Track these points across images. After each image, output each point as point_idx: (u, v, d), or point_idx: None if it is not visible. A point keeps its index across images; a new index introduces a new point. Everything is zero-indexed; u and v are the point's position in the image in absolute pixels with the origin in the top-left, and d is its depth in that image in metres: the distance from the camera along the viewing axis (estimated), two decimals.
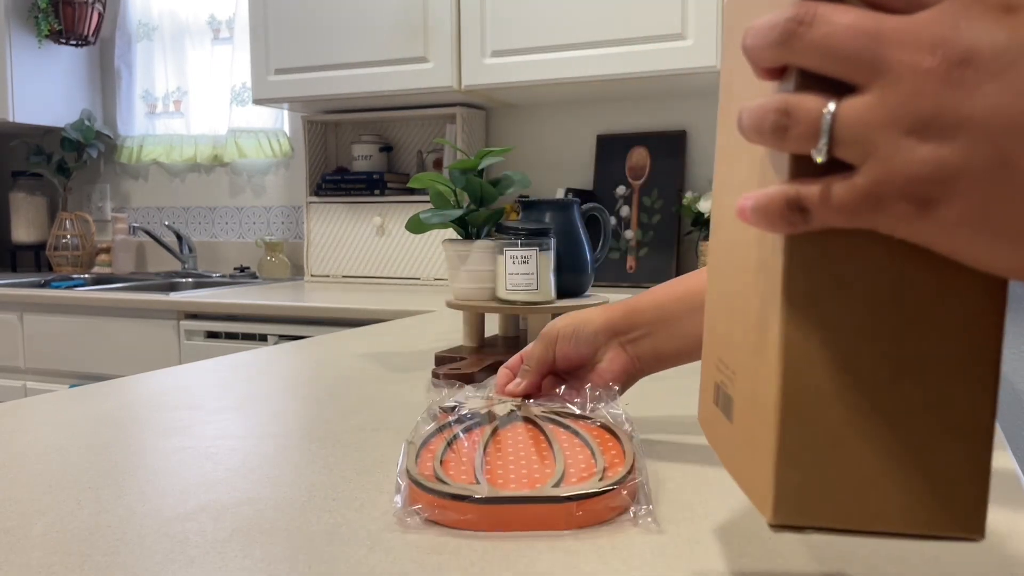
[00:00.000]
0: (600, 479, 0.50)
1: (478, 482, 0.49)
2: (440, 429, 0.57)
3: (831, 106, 0.28)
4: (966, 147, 0.27)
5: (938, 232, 0.28)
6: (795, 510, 0.31)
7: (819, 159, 0.29)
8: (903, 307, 0.30)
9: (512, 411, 0.61)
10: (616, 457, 0.53)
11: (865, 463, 0.31)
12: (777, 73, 0.31)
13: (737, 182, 0.37)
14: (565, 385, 0.67)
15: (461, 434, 0.56)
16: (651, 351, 0.67)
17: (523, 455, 0.54)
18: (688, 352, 0.66)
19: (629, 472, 0.50)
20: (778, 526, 0.31)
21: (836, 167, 0.29)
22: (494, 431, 0.58)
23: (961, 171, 0.27)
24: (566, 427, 0.58)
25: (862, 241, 0.30)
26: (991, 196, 0.27)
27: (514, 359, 0.72)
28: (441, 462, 0.52)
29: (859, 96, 0.28)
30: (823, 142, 0.29)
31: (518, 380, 0.69)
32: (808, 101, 0.29)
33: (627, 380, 0.68)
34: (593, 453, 0.53)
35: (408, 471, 0.50)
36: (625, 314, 0.67)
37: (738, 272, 0.37)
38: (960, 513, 0.31)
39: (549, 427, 0.58)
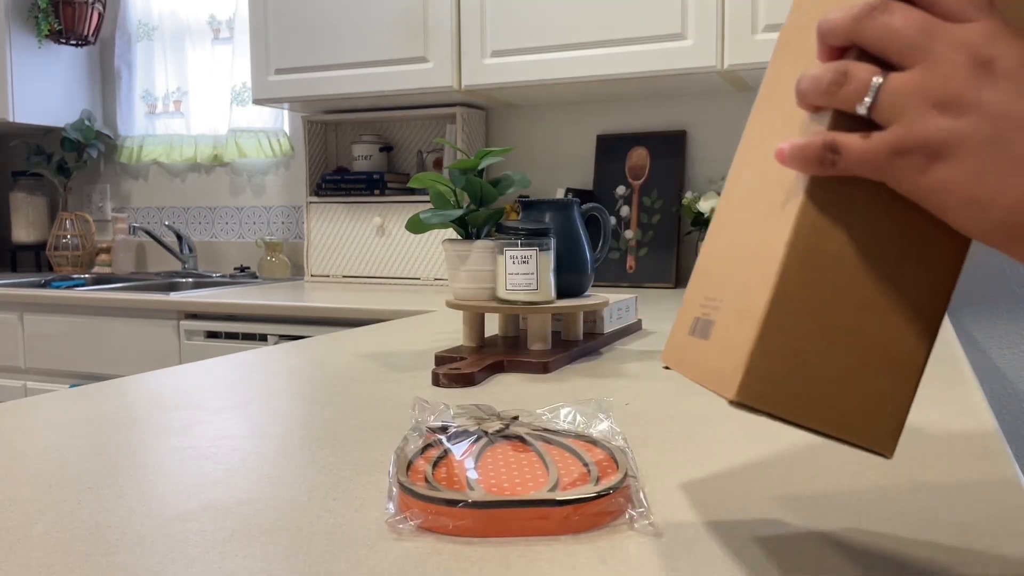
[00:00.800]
0: (596, 484, 0.49)
1: (471, 488, 0.49)
2: (430, 445, 0.57)
3: (879, 78, 0.36)
4: (972, 123, 0.35)
5: (932, 189, 0.36)
6: (756, 394, 0.37)
7: (861, 111, 0.37)
8: (885, 254, 0.38)
9: (501, 428, 0.60)
10: (609, 468, 0.53)
11: (821, 371, 0.38)
12: (839, 52, 0.39)
13: (767, 143, 0.44)
14: None
15: (452, 448, 0.56)
16: None
17: (515, 467, 0.53)
18: None
19: (624, 478, 0.50)
20: (738, 403, 0.37)
21: (865, 128, 0.37)
22: (485, 447, 0.57)
23: (964, 140, 0.35)
24: (557, 443, 0.57)
25: (868, 194, 0.38)
26: (981, 164, 0.35)
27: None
28: (433, 472, 0.52)
29: (903, 73, 0.36)
30: (869, 100, 0.37)
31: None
32: (863, 69, 0.37)
33: None
34: (586, 464, 0.53)
35: (400, 480, 0.50)
36: None
37: (748, 220, 0.43)
38: (881, 430, 0.38)
39: (539, 444, 0.57)
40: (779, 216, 0.39)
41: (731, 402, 0.37)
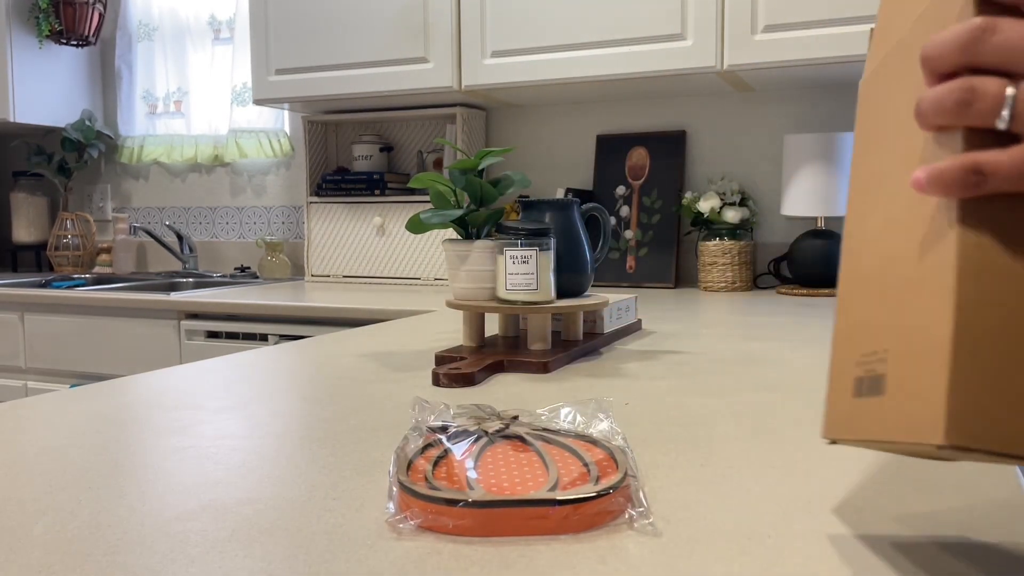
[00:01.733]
0: (595, 483, 0.49)
1: (471, 488, 0.49)
2: (430, 445, 0.57)
3: (1011, 89, 0.35)
4: None
5: None
6: (967, 432, 0.34)
7: (1001, 126, 0.36)
8: None
9: (501, 428, 0.60)
10: (609, 468, 0.53)
11: None
12: (948, 78, 0.38)
13: (889, 183, 0.43)
14: None
15: (452, 448, 0.56)
16: None
17: (515, 466, 0.53)
18: None
19: (624, 478, 0.50)
20: (948, 447, 0.34)
21: (1000, 142, 0.36)
22: (485, 446, 0.57)
23: None
24: (557, 443, 0.57)
25: (1019, 202, 0.36)
26: None
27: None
28: (433, 472, 0.52)
29: None
30: (1007, 113, 0.35)
31: None
32: (991, 83, 0.36)
33: None
34: (586, 464, 0.53)
35: (400, 480, 0.50)
36: None
37: (891, 265, 0.41)
38: None
39: (539, 444, 0.57)
40: (933, 248, 0.38)
41: (939, 447, 0.34)
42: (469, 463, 0.53)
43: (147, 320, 2.10)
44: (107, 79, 3.01)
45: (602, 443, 0.57)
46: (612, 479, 0.50)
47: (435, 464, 0.53)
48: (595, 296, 1.17)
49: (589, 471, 0.52)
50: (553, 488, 0.49)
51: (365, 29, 2.18)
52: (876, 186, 0.44)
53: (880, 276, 0.43)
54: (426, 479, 0.50)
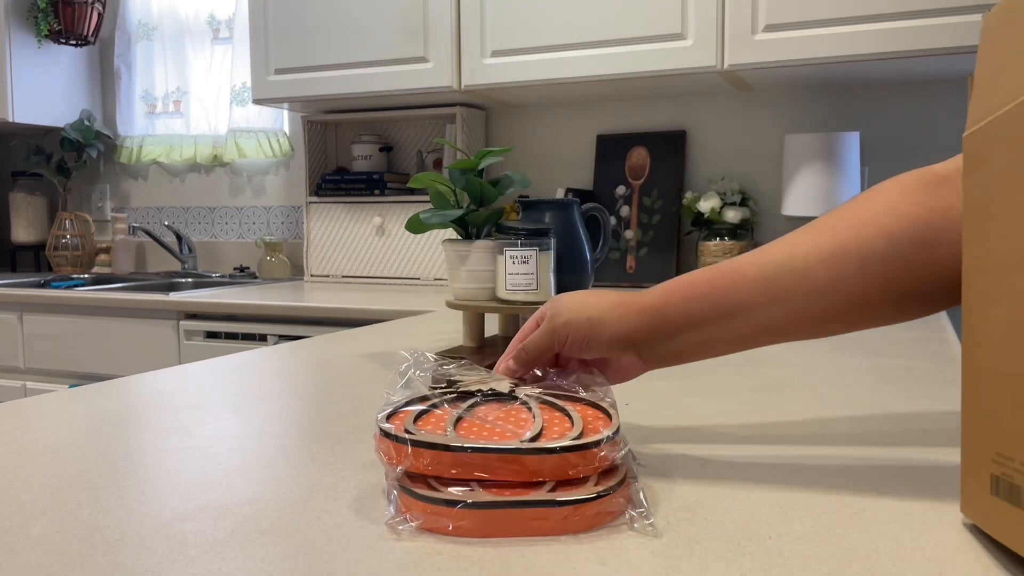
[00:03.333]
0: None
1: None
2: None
3: None
4: None
5: None
6: None
7: None
8: None
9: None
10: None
11: None
12: None
13: (1014, 267, 0.40)
14: (554, 371, 0.64)
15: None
16: (671, 355, 0.63)
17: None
18: (707, 352, 0.63)
19: (624, 478, 0.50)
20: None
21: None
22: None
23: None
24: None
25: None
26: None
27: (525, 330, 0.66)
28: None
29: None
30: None
31: (511, 363, 0.65)
32: None
33: (633, 377, 0.66)
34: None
35: (399, 481, 0.50)
36: (649, 322, 0.62)
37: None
38: None
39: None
40: None
41: None
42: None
43: (146, 320, 2.09)
44: (106, 79, 3.00)
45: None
46: (612, 481, 0.50)
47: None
48: None
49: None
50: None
51: (365, 29, 2.17)
52: (999, 270, 0.41)
53: (1011, 376, 0.40)
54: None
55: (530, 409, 0.56)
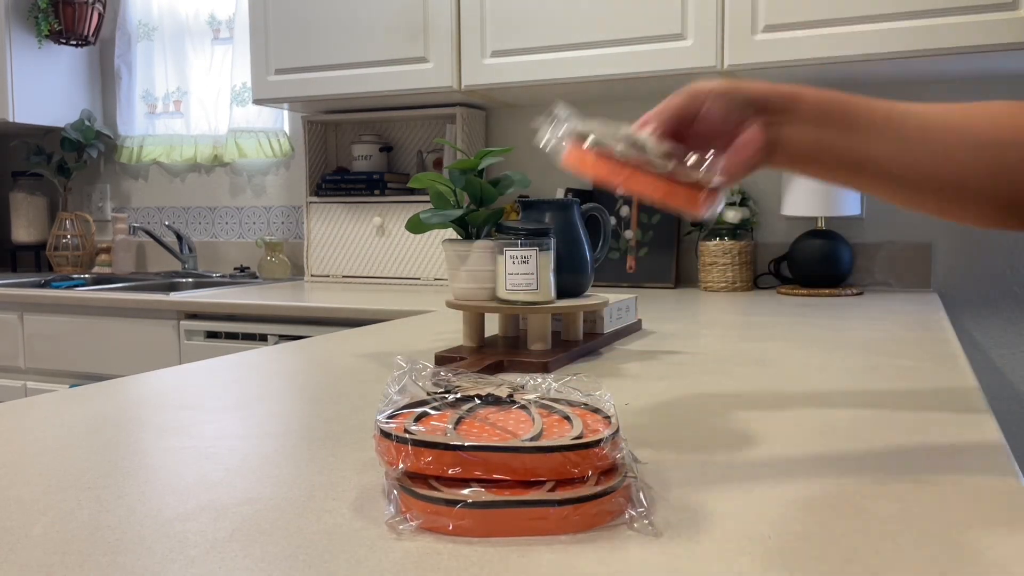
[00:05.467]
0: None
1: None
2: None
3: None
4: None
5: None
6: None
7: None
8: None
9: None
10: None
11: None
12: None
13: None
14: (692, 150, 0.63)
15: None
16: (792, 143, 0.64)
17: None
18: (820, 159, 0.65)
19: (624, 478, 0.50)
20: None
21: None
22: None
23: None
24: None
25: None
26: None
27: (656, 110, 0.66)
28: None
29: None
30: None
31: (648, 116, 0.65)
32: None
33: (754, 165, 0.65)
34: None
35: (399, 481, 0.50)
36: (784, 97, 0.64)
37: None
38: None
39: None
40: None
41: None
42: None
43: (147, 320, 2.09)
44: (106, 79, 3.01)
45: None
46: (613, 482, 0.50)
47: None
48: (595, 296, 1.17)
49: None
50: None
51: (365, 29, 2.17)
52: None
53: None
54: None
55: (529, 413, 0.56)
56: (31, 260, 3.06)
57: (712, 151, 0.62)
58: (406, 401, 0.58)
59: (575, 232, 1.14)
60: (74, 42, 2.79)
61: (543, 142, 0.62)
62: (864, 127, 0.63)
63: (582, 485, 0.49)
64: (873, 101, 0.64)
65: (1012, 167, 0.61)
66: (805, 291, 1.94)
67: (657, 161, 0.61)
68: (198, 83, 2.82)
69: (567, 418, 0.55)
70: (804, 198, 1.96)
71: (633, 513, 0.49)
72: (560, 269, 1.10)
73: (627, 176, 0.61)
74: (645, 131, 0.64)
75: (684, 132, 0.65)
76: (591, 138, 0.60)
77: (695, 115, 0.65)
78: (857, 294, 1.92)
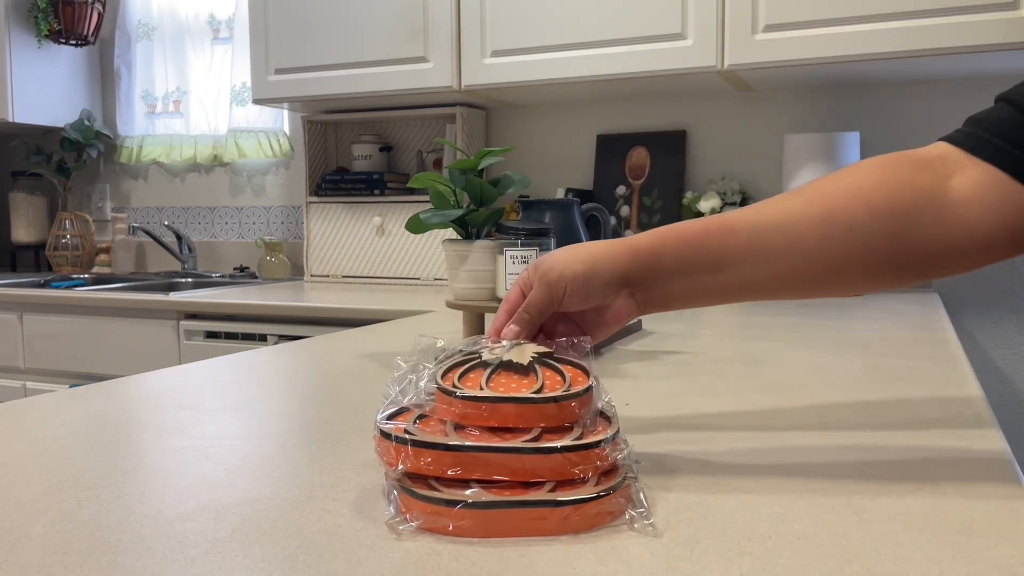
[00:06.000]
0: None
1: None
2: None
3: None
4: None
5: None
6: None
7: None
8: None
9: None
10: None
11: None
12: None
13: None
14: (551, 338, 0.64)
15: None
16: (663, 298, 0.66)
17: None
18: (695, 299, 0.66)
19: (624, 478, 0.50)
20: None
21: None
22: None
23: None
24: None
25: None
26: None
27: (511, 299, 0.66)
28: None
29: None
30: None
31: (514, 327, 0.64)
32: None
33: (628, 321, 0.67)
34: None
35: (399, 482, 0.50)
36: (645, 264, 0.64)
37: None
38: None
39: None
40: None
41: None
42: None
43: (146, 320, 2.09)
44: (106, 79, 3.00)
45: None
46: (612, 481, 0.50)
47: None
48: None
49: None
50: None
51: (365, 29, 2.17)
52: None
53: None
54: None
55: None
56: (31, 260, 3.06)
57: (584, 338, 0.61)
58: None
59: (575, 232, 1.14)
60: (74, 42, 2.79)
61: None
62: (733, 260, 0.63)
63: (582, 486, 0.49)
64: (733, 223, 0.63)
65: (890, 233, 0.60)
66: None
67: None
68: (198, 83, 2.82)
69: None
70: None
71: (633, 513, 0.49)
72: None
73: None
74: (508, 340, 0.63)
75: (549, 323, 0.66)
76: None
77: (555, 308, 0.64)
78: (858, 294, 1.92)
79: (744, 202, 2.08)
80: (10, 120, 2.70)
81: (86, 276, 2.74)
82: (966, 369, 0.99)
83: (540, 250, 1.00)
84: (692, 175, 2.24)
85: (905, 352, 1.11)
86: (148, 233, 2.74)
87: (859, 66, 1.80)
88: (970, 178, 0.60)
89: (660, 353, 1.11)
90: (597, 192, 2.29)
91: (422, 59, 2.12)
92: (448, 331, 1.37)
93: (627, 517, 0.49)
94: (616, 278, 0.64)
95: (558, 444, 0.48)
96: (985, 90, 1.97)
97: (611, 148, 2.29)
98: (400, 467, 0.49)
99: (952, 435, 0.69)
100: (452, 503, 0.47)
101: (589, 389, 0.53)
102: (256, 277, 2.65)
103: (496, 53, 2.04)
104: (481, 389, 0.53)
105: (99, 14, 2.80)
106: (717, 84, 2.05)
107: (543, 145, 2.41)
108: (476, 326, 1.09)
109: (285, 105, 2.45)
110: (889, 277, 0.63)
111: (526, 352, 0.58)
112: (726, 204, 2.06)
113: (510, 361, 0.57)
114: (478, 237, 1.08)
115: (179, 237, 2.76)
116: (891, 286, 0.64)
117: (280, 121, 2.72)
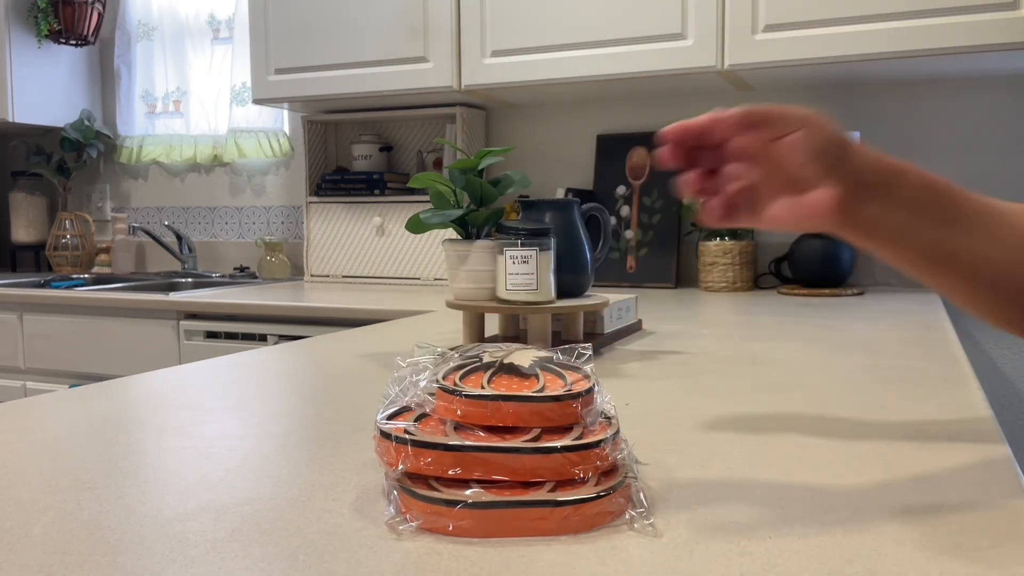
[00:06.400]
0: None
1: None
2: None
3: None
4: None
5: None
6: None
7: None
8: None
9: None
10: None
11: None
12: None
13: None
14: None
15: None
16: (879, 222, 0.58)
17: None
18: (911, 249, 0.60)
19: (624, 478, 0.50)
20: None
21: None
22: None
23: None
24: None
25: None
26: None
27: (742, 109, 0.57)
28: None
29: None
30: None
31: (724, 109, 0.57)
32: None
33: (807, 226, 0.57)
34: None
35: (399, 482, 0.50)
36: (885, 171, 0.58)
37: None
38: None
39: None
40: None
41: None
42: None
43: (146, 320, 2.09)
44: (106, 79, 3.00)
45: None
46: (612, 481, 0.50)
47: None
48: (595, 296, 1.17)
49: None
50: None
51: (365, 29, 2.17)
52: None
53: None
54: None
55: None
56: (31, 260, 3.06)
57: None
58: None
59: (575, 232, 1.14)
60: (74, 42, 2.79)
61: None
62: (961, 219, 0.60)
63: (582, 486, 0.49)
64: (966, 193, 0.60)
65: None
66: (806, 291, 1.94)
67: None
68: (198, 83, 2.82)
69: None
70: None
71: (633, 513, 0.49)
72: (560, 269, 1.10)
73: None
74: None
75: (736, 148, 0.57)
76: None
77: (776, 134, 0.56)
78: (858, 294, 1.92)
79: None
80: (10, 120, 2.70)
81: (86, 276, 2.74)
82: (966, 369, 0.99)
83: (540, 250, 1.00)
84: None
85: (905, 352, 1.11)
86: (148, 233, 2.74)
87: (859, 66, 1.80)
88: None
89: (660, 353, 1.11)
90: (597, 192, 2.29)
91: (422, 59, 2.12)
92: (448, 331, 1.37)
93: (627, 517, 0.49)
94: (851, 160, 0.57)
95: (558, 444, 0.48)
96: (985, 90, 1.97)
97: (611, 148, 2.29)
98: (400, 467, 0.49)
99: (952, 435, 0.69)
100: (452, 503, 0.47)
101: (592, 390, 0.53)
102: (256, 277, 2.65)
103: (496, 53, 2.04)
104: (483, 389, 0.53)
105: (99, 14, 2.80)
106: (717, 84, 2.05)
107: (543, 145, 2.41)
108: (476, 326, 1.09)
109: (285, 105, 2.45)
110: None
111: (527, 356, 0.58)
112: None
113: (511, 364, 0.57)
114: (478, 237, 1.08)
115: (179, 237, 2.76)
116: None
117: (280, 121, 2.72)
